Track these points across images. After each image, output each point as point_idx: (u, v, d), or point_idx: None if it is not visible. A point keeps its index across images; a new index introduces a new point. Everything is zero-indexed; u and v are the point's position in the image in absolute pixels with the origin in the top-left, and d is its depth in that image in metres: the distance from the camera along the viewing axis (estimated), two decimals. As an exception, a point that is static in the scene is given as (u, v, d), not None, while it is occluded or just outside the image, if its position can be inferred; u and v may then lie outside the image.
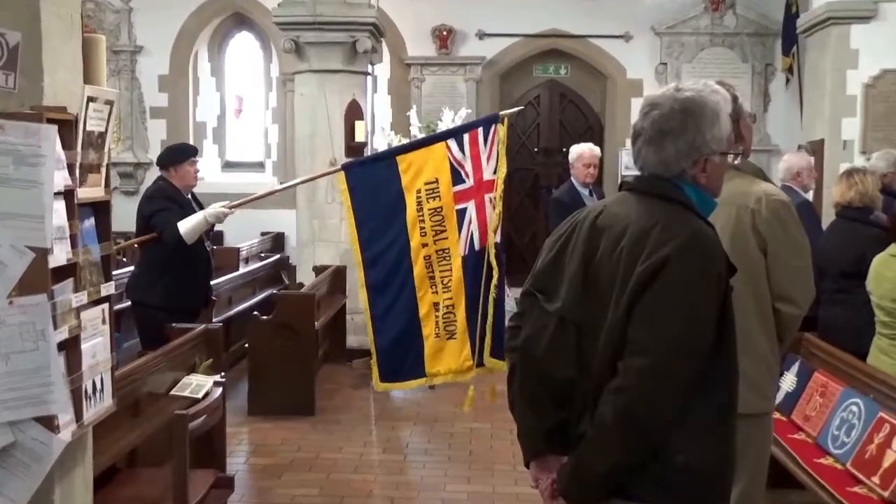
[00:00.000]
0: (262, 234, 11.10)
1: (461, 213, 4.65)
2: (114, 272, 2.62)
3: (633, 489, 2.00)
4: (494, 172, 4.62)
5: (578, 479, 2.05)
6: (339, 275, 7.76)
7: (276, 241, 11.15)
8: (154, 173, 8.43)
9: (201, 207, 5.52)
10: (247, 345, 6.43)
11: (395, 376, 4.68)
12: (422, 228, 4.63)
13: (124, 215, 6.22)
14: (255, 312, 6.45)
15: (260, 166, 12.24)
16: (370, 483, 4.97)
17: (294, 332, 6.21)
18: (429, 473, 5.14)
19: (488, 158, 4.63)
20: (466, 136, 4.62)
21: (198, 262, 5.37)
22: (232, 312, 7.60)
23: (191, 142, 10.39)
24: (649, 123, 2.11)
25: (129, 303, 5.61)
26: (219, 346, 4.72)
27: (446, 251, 4.66)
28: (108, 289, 2.52)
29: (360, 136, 7.93)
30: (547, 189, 11.35)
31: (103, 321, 2.50)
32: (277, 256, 9.92)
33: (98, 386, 2.48)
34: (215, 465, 4.15)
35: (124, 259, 8.99)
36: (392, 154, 4.76)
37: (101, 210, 2.52)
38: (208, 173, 11.02)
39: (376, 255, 4.66)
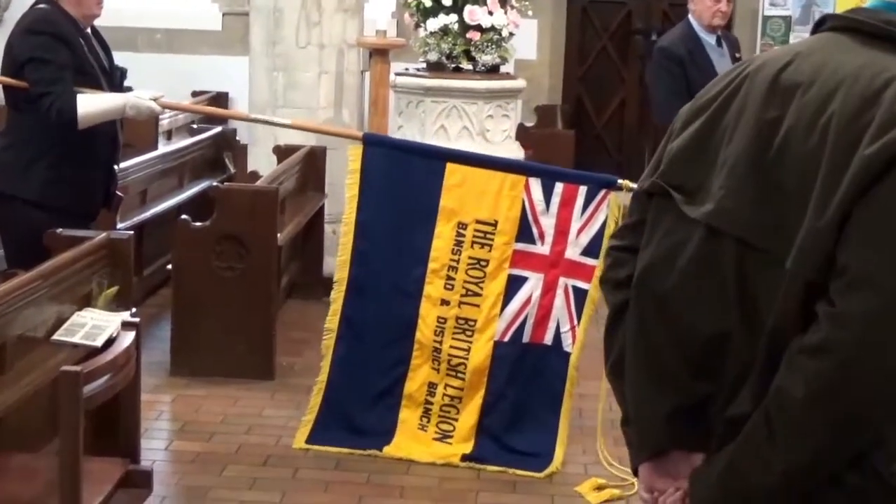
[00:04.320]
0: (195, 93, 11.08)
1: (515, 283, 4.98)
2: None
3: None
4: (586, 254, 4.89)
5: (732, 492, 2.01)
6: (314, 161, 7.75)
7: (217, 106, 11.05)
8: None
9: (107, 52, 5.49)
10: (169, 266, 6.44)
11: (337, 440, 5.16)
12: (449, 279, 4.99)
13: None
14: (184, 216, 6.43)
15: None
16: (359, 487, 4.99)
17: (244, 249, 6.20)
18: (449, 475, 5.16)
19: (580, 231, 4.89)
20: (559, 187, 4.90)
21: (97, 136, 5.35)
22: (147, 215, 7.57)
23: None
24: None
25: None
26: (128, 266, 4.71)
27: (471, 324, 5.01)
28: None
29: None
30: (645, 36, 11.25)
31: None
32: (218, 129, 9.69)
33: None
34: (123, 452, 4.18)
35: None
36: (443, 156, 5.09)
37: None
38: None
39: (369, 282, 5.07)
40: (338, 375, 5.17)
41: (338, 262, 5.14)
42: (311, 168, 7.71)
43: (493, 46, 8.01)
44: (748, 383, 2.00)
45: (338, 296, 5.10)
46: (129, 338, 4.03)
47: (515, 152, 8.02)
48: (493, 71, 8.08)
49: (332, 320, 5.11)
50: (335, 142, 7.57)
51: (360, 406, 5.18)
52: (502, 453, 5.10)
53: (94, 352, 3.97)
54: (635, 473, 2.24)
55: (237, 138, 9.66)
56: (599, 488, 4.92)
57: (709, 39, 6.31)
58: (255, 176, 7.31)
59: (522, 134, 8.90)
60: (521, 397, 5.08)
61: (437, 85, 7.80)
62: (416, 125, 7.76)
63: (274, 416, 5.73)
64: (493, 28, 7.95)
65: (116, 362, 3.76)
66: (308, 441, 5.21)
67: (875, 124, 1.91)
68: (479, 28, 7.92)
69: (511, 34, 8.09)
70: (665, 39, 6.67)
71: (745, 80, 2.13)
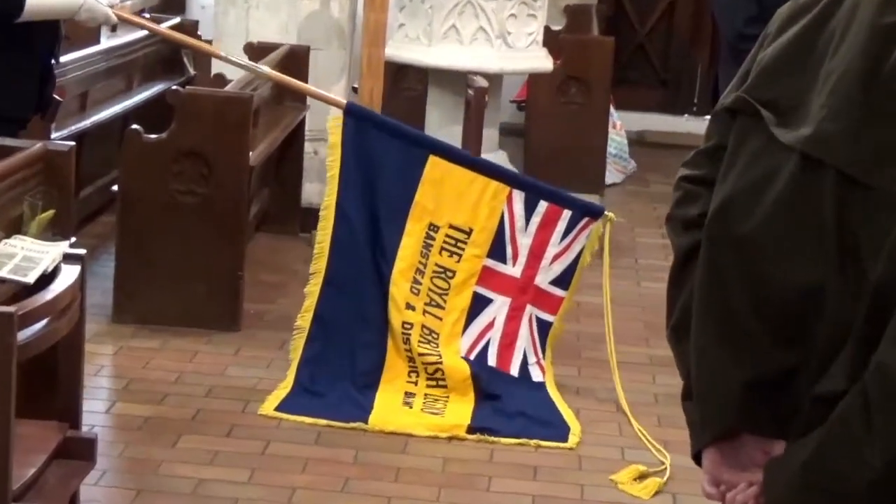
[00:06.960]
0: (147, -23, 11.30)
1: (479, 303, 5.31)
2: None
3: None
4: (556, 283, 5.28)
5: (818, 488, 1.98)
6: (295, 64, 7.57)
7: (177, -3, 11.35)
8: None
9: None
10: (114, 187, 6.43)
11: (310, 409, 5.21)
12: (416, 282, 5.29)
13: None
14: (134, 126, 6.35)
15: None
16: (345, 467, 4.97)
17: (207, 169, 6.18)
18: (455, 454, 5.14)
19: (555, 258, 5.26)
20: (543, 206, 5.24)
21: (34, 26, 5.37)
22: (87, 123, 7.49)
23: None
24: None
25: None
26: (68, 186, 4.60)
27: (434, 336, 5.30)
28: None
29: None
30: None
31: None
32: (176, 20, 9.70)
33: None
34: (61, 415, 4.18)
35: None
36: (427, 146, 5.39)
37: None
38: None
39: (345, 277, 5.33)
40: (305, 378, 5.32)
41: (315, 250, 5.40)
42: (291, 73, 7.40)
43: (518, -71, 7.94)
44: (843, 353, 1.99)
45: (313, 289, 5.36)
46: (72, 273, 3.99)
47: (543, 61, 7.89)
48: (516, -40, 8.03)
49: (305, 318, 5.35)
50: (321, 41, 7.77)
51: (332, 385, 5.33)
52: (511, 417, 5.20)
53: (25, 289, 3.92)
54: (696, 460, 2.25)
55: (199, 32, 9.51)
56: (641, 477, 4.88)
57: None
58: (220, 80, 7.14)
59: (550, 39, 8.73)
60: (510, 402, 5.26)
61: (448, -25, 7.78)
62: (421, 24, 7.58)
63: (240, 377, 5.70)
64: None
65: (58, 303, 3.75)
66: (280, 407, 5.24)
67: None
68: None
69: (539, -85, 8.01)
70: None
71: None
